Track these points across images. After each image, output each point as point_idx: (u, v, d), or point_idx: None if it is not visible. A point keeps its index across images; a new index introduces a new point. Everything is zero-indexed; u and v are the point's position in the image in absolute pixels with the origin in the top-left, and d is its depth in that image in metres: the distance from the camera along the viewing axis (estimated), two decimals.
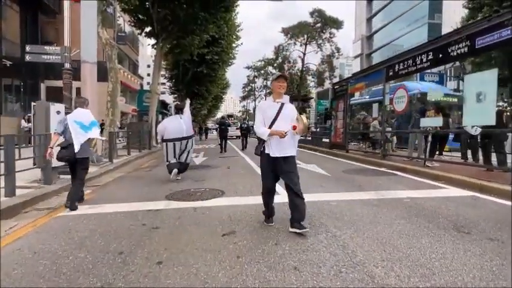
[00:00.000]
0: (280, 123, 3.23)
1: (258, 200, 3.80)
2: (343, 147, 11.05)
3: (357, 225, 3.42)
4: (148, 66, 78.53)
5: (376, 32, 65.10)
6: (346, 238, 3.03)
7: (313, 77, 22.32)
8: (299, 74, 21.71)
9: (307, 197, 3.46)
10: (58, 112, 5.88)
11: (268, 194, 3.49)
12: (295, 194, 3.21)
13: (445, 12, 47.70)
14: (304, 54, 21.34)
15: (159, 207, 4.32)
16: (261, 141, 3.35)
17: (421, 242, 2.88)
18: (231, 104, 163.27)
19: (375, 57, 61.30)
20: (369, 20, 67.54)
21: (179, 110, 6.82)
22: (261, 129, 3.26)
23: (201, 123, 54.26)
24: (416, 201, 4.44)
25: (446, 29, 27.20)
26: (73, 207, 4.18)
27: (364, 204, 4.32)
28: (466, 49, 5.69)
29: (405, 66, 7.58)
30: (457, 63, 18.10)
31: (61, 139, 4.33)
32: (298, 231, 3.09)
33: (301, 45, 21.61)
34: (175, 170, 6.31)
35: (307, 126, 3.61)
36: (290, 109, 3.37)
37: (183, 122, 6.53)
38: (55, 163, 5.15)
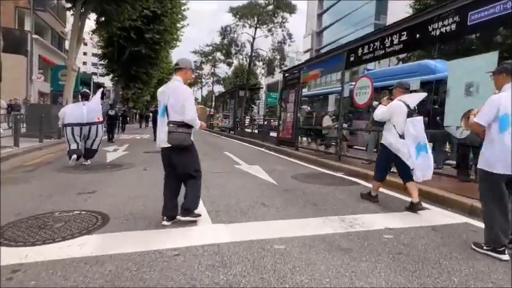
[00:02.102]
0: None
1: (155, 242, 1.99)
2: (293, 144, 9.61)
3: None
4: (85, 44, 70.37)
5: (325, 28, 66.08)
6: None
7: (263, 64, 20.68)
8: (247, 59, 19.89)
9: (241, 230, 2.55)
10: None
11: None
12: None
13: (390, 13, 49.72)
14: (254, 38, 19.53)
15: None
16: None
17: None
18: None
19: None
20: (320, 16, 68.31)
21: (83, 97, 6.72)
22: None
23: (142, 110, 49.86)
24: (400, 238, 2.97)
25: None
26: None
27: (329, 246, 2.70)
28: (453, 26, 4.42)
29: (371, 49, 6.23)
30: None
31: None
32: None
33: (250, 27, 19.75)
34: (74, 156, 6.25)
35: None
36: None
37: (84, 108, 6.46)
38: None
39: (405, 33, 5.40)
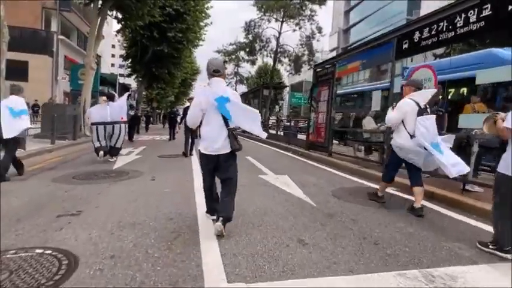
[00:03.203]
0: None
1: None
2: (325, 149, 8.33)
3: None
4: (113, 46, 72.08)
5: (353, 25, 63.59)
6: None
7: (289, 61, 19.28)
8: (272, 56, 18.59)
9: None
10: None
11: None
12: None
13: (425, 8, 46.77)
14: (280, 33, 18.22)
15: None
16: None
17: None
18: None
19: None
20: (347, 12, 65.87)
21: (108, 98, 7.27)
22: None
23: (166, 111, 50.03)
24: None
25: None
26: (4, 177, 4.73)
27: None
28: None
29: (433, 32, 4.86)
30: None
31: None
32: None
33: (276, 21, 18.41)
34: (101, 153, 6.84)
35: None
36: None
37: (108, 108, 6.98)
38: None
39: (488, 6, 4.03)
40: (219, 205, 3.01)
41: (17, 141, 5.10)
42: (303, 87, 58.33)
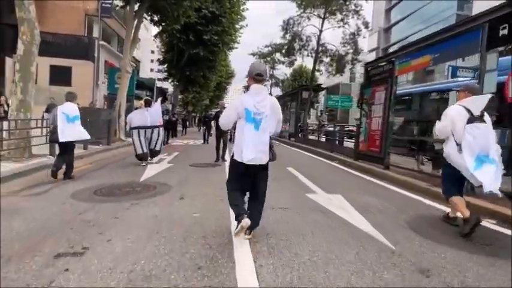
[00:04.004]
0: None
1: None
2: (381, 160, 7.10)
3: None
4: (152, 52, 74.78)
5: (395, 24, 60.16)
6: None
7: (331, 60, 17.88)
8: (312, 55, 17.36)
9: None
10: None
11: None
12: None
13: (477, 4, 42.77)
14: (321, 31, 16.96)
15: None
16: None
17: None
18: (236, 97, 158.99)
19: None
20: (388, 11, 62.55)
21: (146, 104, 7.61)
22: None
23: (201, 114, 50.51)
24: None
25: None
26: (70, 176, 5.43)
27: None
28: None
29: None
30: None
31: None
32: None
33: (318, 18, 17.10)
34: (144, 163, 7.24)
35: None
36: None
37: (147, 114, 7.40)
38: None
39: None
40: (250, 211, 2.91)
41: (73, 145, 5.64)
42: (339, 90, 56.12)
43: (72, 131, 5.37)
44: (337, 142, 10.65)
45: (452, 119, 3.41)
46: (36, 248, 2.61)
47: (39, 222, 3.25)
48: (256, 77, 2.85)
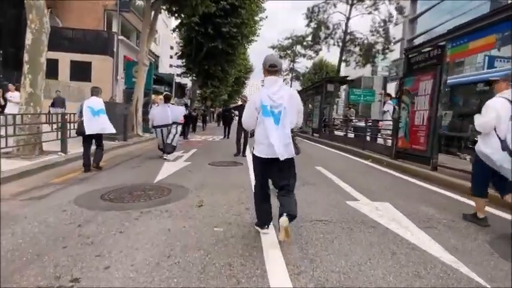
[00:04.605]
0: None
1: None
2: (427, 160, 6.16)
3: None
4: (172, 48, 75.14)
5: (422, 13, 57.16)
6: None
7: (360, 50, 16.63)
8: (339, 44, 16.17)
9: None
10: None
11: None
12: None
13: None
14: (348, 18, 15.79)
15: None
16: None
17: None
18: (255, 92, 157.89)
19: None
20: (414, 1, 59.51)
21: (166, 99, 7.64)
22: None
23: (218, 110, 50.06)
24: None
25: None
26: (98, 167, 5.83)
27: None
28: None
29: None
30: None
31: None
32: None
33: (346, 3, 15.92)
34: (165, 155, 7.32)
35: None
36: None
37: (169, 110, 7.44)
38: None
39: None
40: (281, 201, 2.68)
41: (100, 137, 5.91)
42: (361, 83, 53.99)
43: (97, 123, 5.57)
44: (368, 138, 9.68)
45: (497, 113, 3.10)
46: (13, 279, 1.99)
47: (27, 239, 2.65)
48: (269, 68, 2.77)
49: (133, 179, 5.16)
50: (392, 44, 19.30)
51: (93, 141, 5.82)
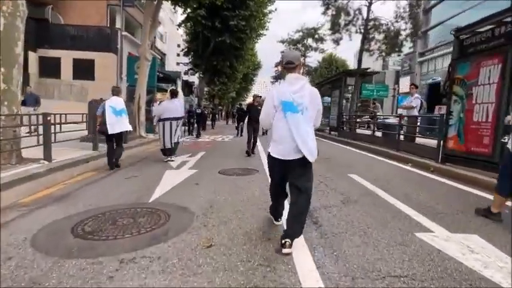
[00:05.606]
0: None
1: None
2: (493, 165, 4.88)
3: None
4: (178, 45, 74.39)
5: (435, 5, 54.85)
6: None
7: (384, 38, 15.15)
8: (362, 31, 14.73)
9: None
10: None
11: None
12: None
13: None
14: (371, 3, 14.37)
15: None
16: None
17: None
18: (263, 89, 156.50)
19: (432, 36, 51.32)
20: None
21: (173, 95, 7.25)
22: None
23: (228, 107, 49.00)
24: None
25: None
26: (117, 165, 5.89)
27: None
28: None
29: None
30: None
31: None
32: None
33: None
34: (168, 158, 6.87)
35: None
36: None
37: (179, 104, 7.21)
38: None
39: None
40: (290, 213, 2.51)
41: (121, 135, 5.93)
42: (372, 78, 52.12)
43: (119, 123, 5.69)
44: (402, 137, 8.36)
45: None
46: None
47: None
48: (286, 65, 2.61)
49: (125, 195, 4.06)
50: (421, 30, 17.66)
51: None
